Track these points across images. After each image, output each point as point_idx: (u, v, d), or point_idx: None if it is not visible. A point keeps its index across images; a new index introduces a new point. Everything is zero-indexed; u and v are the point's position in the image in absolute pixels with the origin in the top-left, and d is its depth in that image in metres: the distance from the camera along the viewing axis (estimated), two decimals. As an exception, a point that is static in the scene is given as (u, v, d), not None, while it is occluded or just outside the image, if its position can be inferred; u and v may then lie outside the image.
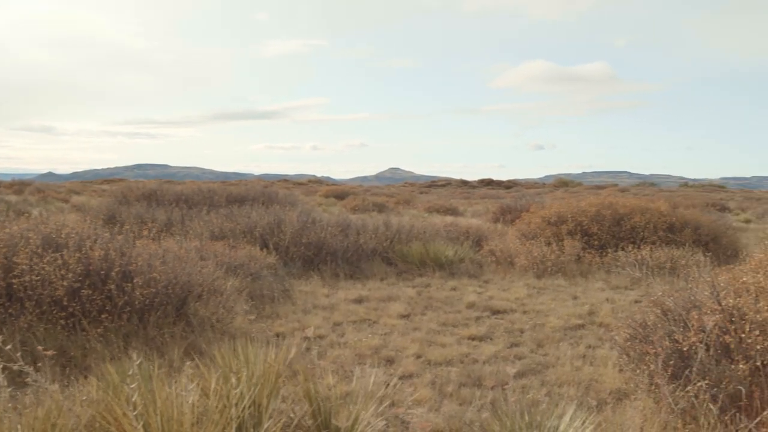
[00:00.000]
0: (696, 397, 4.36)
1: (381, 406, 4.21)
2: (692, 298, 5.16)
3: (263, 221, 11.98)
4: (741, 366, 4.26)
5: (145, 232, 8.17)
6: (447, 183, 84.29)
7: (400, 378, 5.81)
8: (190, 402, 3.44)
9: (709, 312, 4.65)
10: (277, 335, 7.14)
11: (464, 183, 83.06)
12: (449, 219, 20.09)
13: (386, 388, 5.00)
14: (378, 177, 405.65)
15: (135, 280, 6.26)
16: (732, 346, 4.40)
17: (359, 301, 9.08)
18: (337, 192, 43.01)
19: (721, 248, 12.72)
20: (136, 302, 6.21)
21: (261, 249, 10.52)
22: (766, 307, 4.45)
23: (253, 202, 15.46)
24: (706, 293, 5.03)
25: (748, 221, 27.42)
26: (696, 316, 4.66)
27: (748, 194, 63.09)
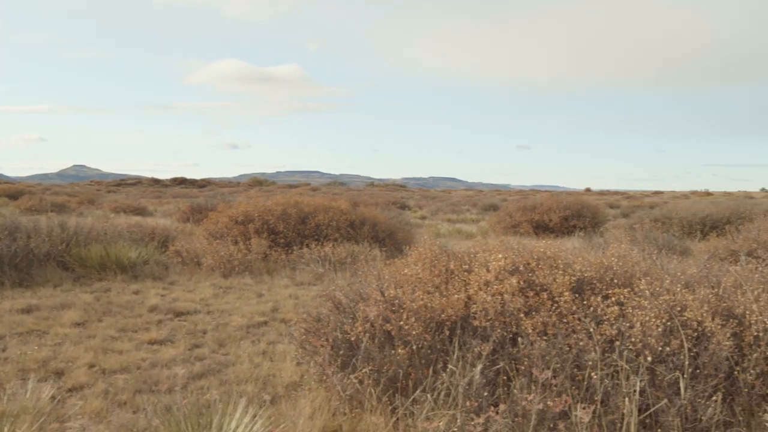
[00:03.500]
0: (361, 382, 4.67)
1: (37, 423, 3.88)
2: (361, 291, 5.52)
3: None
4: (400, 351, 4.64)
5: None
6: (138, 182, 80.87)
7: (69, 390, 5.43)
8: None
9: (373, 303, 5.00)
10: None
11: (156, 182, 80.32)
12: (136, 219, 19.25)
13: (52, 403, 4.63)
14: (61, 175, 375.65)
15: None
16: (393, 333, 4.76)
17: (27, 310, 8.28)
18: (10, 191, 39.19)
19: (396, 243, 13.78)
20: None
21: None
22: (421, 296, 4.90)
23: None
24: (373, 286, 5.41)
25: (424, 218, 30.10)
26: (362, 308, 4.99)
27: (425, 193, 69.42)
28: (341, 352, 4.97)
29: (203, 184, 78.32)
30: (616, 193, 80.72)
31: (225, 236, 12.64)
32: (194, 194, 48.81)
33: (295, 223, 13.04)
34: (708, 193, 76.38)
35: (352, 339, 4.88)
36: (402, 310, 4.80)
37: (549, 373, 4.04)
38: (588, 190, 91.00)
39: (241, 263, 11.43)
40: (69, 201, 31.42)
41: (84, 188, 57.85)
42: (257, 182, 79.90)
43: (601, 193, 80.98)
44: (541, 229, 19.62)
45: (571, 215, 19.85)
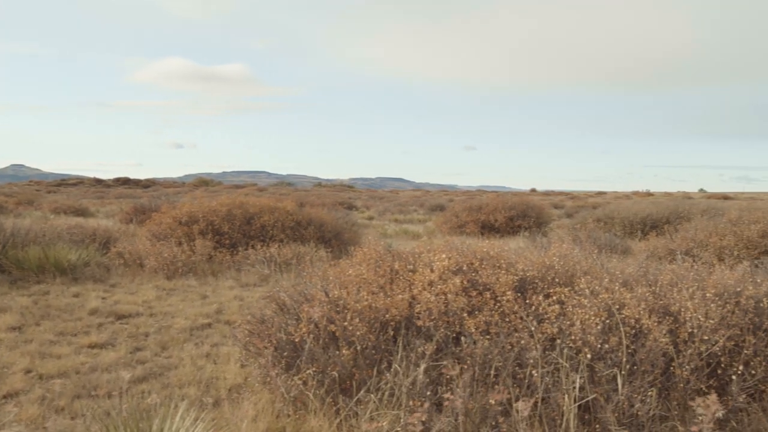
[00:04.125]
0: (305, 383, 4.65)
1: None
2: (305, 292, 5.49)
3: None
4: (345, 351, 4.63)
5: None
6: (79, 182, 79.09)
7: (5, 397, 5.27)
8: None
9: (317, 304, 4.98)
10: None
11: (99, 182, 78.71)
12: (77, 220, 18.81)
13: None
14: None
15: None
16: (337, 334, 4.75)
17: (-40, 315, 8.02)
18: (-58, 192, 37.95)
19: (343, 244, 13.76)
20: None
21: None
22: (365, 297, 4.90)
23: None
24: (318, 286, 5.39)
25: (371, 218, 30.14)
26: (306, 309, 4.97)
27: (373, 193, 69.54)
28: (285, 354, 4.93)
29: (147, 184, 77.02)
30: (560, 193, 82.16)
31: (169, 237, 12.44)
32: (138, 195, 47.96)
33: (241, 224, 12.92)
34: (649, 194, 78.31)
35: (296, 340, 4.86)
36: (346, 311, 4.80)
37: (490, 371, 4.09)
38: (533, 190, 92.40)
39: (185, 265, 11.26)
40: (6, 201, 30.55)
41: (22, 188, 56.34)
42: (203, 182, 78.92)
43: (546, 193, 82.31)
44: (487, 229, 19.83)
45: (516, 215, 20.11)
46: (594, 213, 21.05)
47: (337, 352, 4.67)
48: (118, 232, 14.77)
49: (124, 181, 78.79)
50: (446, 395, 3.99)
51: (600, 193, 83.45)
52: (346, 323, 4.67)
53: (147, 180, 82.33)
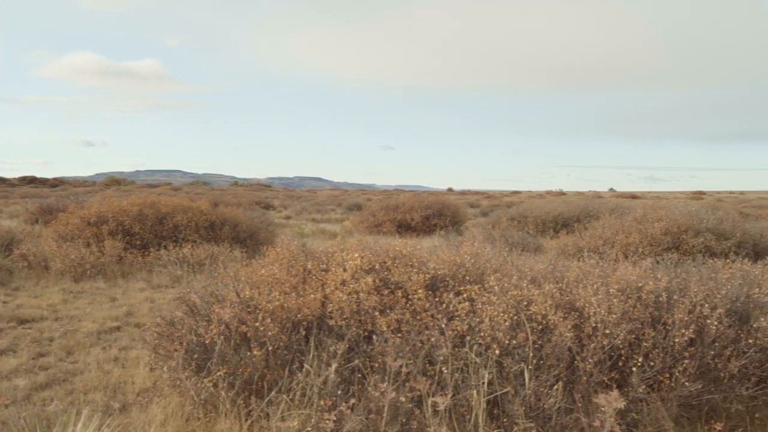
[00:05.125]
0: (216, 386, 4.57)
1: None
2: (217, 292, 5.40)
3: None
4: (256, 352, 4.57)
5: None
6: (-19, 181, 75.55)
7: None
8: None
9: (228, 305, 4.90)
10: None
11: (2, 181, 75.35)
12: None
13: None
14: None
15: None
16: (249, 334, 4.69)
17: None
18: None
19: (258, 244, 13.59)
20: None
21: None
22: (277, 297, 4.86)
23: None
24: (230, 287, 5.31)
25: (288, 218, 29.90)
26: (217, 310, 4.88)
27: (290, 193, 69.05)
28: (195, 356, 4.84)
29: (55, 183, 74.26)
30: (477, 192, 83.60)
31: (76, 238, 12.01)
32: (45, 194, 46.12)
33: (152, 224, 12.60)
34: (562, 193, 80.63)
35: (207, 342, 4.77)
36: (258, 311, 4.74)
37: (401, 367, 4.12)
38: (450, 190, 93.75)
39: (94, 266, 10.89)
40: None
41: None
42: (115, 182, 76.61)
43: (463, 192, 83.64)
44: (403, 228, 19.97)
45: (432, 214, 20.33)
46: (508, 212, 21.49)
47: (249, 353, 4.62)
48: (21, 233, 14.17)
49: (30, 180, 75.71)
50: (357, 393, 4.00)
51: (515, 193, 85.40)
52: (257, 324, 4.62)
53: (55, 179, 79.40)
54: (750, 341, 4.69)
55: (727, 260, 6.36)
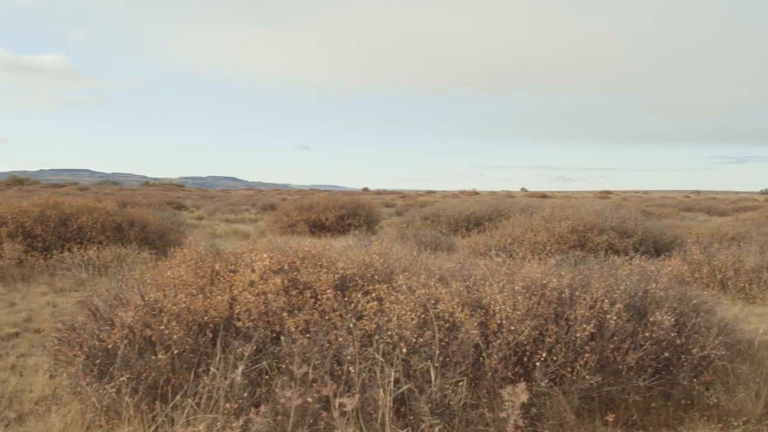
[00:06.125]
0: (118, 391, 4.44)
1: None
2: (121, 295, 5.25)
3: None
4: (161, 356, 4.47)
5: None
6: None
7: None
8: None
9: (132, 308, 4.78)
10: None
11: None
12: None
13: None
14: None
15: None
16: (154, 338, 4.58)
17: None
18: None
19: (168, 245, 13.28)
20: None
21: None
22: (183, 299, 4.76)
23: None
24: (135, 290, 5.17)
25: (201, 218, 29.34)
26: (120, 313, 4.75)
27: (204, 193, 67.77)
28: (97, 361, 4.69)
29: (-48, 183, 70.59)
30: (392, 192, 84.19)
31: (-28, 241, 11.45)
32: (-60, 194, 43.78)
33: (56, 225, 12.12)
34: (475, 193, 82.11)
35: (109, 347, 4.63)
36: (163, 314, 4.64)
37: (308, 369, 4.10)
38: (366, 189, 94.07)
39: (-8, 270, 10.42)
40: None
41: None
42: (17, 181, 73.32)
43: (378, 192, 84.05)
44: (317, 228, 19.91)
45: (346, 214, 20.34)
46: (422, 211, 21.72)
47: (153, 357, 4.51)
48: None
49: (-75, 180, 71.76)
50: (264, 395, 3.97)
51: (429, 192, 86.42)
52: (162, 327, 4.52)
53: (-49, 179, 75.48)
54: (647, 335, 4.89)
55: (627, 257, 6.61)
